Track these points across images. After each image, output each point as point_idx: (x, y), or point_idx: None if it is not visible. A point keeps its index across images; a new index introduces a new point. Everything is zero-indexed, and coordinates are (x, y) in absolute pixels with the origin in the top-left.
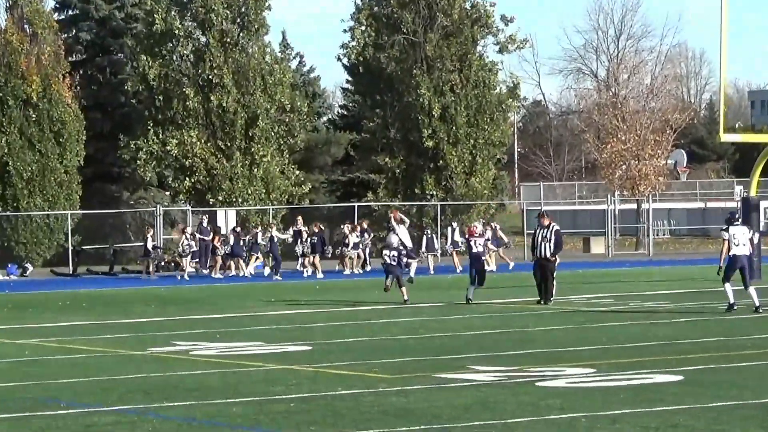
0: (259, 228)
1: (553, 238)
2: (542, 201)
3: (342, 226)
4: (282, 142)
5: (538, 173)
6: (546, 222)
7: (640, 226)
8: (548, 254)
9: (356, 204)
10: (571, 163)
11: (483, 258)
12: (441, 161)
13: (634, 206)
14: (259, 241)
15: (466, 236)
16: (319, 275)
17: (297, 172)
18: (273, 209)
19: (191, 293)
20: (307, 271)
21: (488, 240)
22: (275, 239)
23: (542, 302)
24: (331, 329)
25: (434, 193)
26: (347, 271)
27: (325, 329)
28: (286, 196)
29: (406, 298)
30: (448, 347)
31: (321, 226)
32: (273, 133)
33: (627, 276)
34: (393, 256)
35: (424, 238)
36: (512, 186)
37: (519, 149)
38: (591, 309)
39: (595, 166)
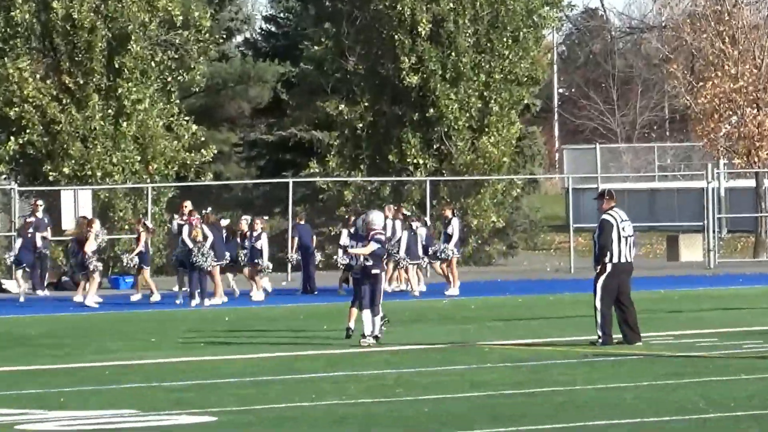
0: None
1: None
2: (599, 175)
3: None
4: (170, 80)
5: (592, 130)
6: (602, 207)
7: (762, 216)
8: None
9: (290, 180)
10: (646, 113)
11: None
12: (432, 110)
13: (752, 183)
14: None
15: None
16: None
17: (194, 128)
18: (154, 189)
19: (19, 328)
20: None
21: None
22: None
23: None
24: (251, 388)
25: (421, 162)
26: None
27: (239, 388)
28: (175, 168)
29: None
30: (442, 417)
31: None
32: (153, 64)
33: (740, 299)
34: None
35: (405, 235)
36: (550, 150)
37: (561, 90)
38: (680, 354)
39: (686, 119)
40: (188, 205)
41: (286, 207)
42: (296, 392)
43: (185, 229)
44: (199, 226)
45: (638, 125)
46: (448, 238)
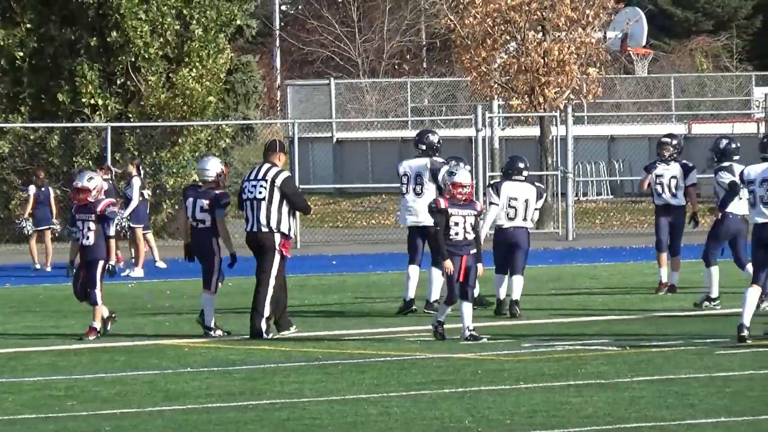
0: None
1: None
2: (334, 120)
3: None
4: None
5: (326, 60)
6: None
7: (548, 174)
8: None
9: None
10: (396, 37)
11: None
12: (114, 34)
13: (535, 131)
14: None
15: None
16: None
17: None
18: None
19: None
20: None
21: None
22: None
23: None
24: None
25: (101, 103)
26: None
27: None
28: None
29: None
30: None
31: None
32: None
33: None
34: None
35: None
36: (270, 87)
37: (284, 7)
38: (439, 356)
39: (449, 46)
40: None
41: None
42: None
43: None
44: None
45: (386, 54)
46: (128, 202)
